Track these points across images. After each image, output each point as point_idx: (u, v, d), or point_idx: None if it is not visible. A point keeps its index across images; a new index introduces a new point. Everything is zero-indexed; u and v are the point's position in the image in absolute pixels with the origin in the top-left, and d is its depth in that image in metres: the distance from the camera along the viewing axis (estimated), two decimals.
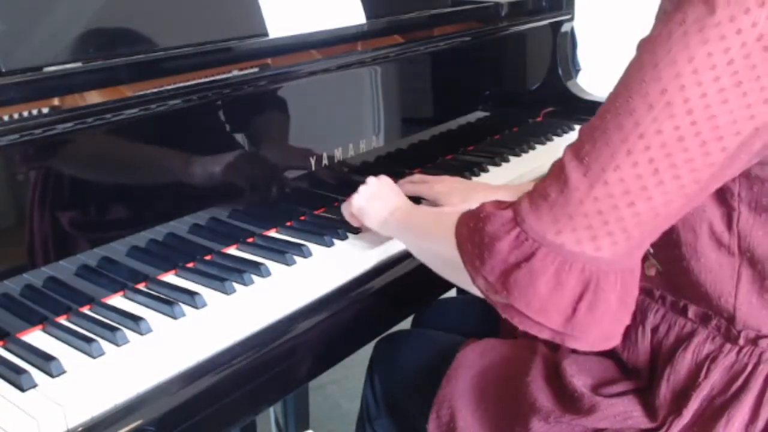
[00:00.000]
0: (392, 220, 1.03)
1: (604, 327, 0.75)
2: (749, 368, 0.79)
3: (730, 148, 0.67)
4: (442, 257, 0.89)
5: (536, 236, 0.73)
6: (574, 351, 0.96)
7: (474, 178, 1.36)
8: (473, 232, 0.79)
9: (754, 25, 0.64)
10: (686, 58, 0.66)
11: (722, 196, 0.77)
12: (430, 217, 1.00)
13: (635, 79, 0.69)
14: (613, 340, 0.77)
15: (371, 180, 1.11)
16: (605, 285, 0.73)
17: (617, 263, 0.73)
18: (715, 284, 0.80)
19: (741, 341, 0.80)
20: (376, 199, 1.08)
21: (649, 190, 0.69)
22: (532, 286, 0.73)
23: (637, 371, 0.87)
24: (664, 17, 0.69)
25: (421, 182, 1.23)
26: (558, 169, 0.74)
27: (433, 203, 1.20)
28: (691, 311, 0.83)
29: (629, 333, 0.86)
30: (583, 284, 0.73)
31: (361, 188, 1.10)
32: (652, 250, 0.85)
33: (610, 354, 0.91)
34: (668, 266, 0.81)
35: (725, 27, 0.64)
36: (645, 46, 0.70)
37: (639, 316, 0.86)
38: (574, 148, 0.73)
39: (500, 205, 0.79)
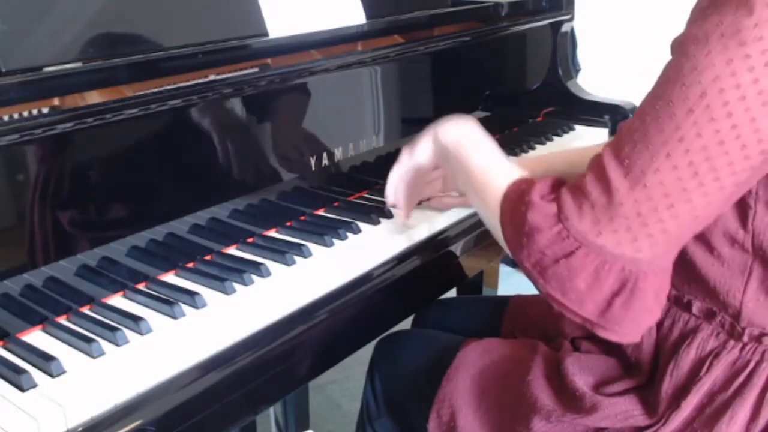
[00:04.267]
0: (450, 154, 0.96)
1: (636, 321, 0.77)
2: (752, 365, 0.79)
3: None
4: (487, 221, 0.90)
5: (577, 235, 0.75)
6: (576, 349, 0.97)
7: None
8: (515, 215, 0.81)
9: None
10: (724, 60, 0.66)
11: None
12: (479, 170, 0.91)
13: (675, 82, 0.69)
14: (642, 332, 0.80)
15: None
16: (643, 284, 0.75)
17: (656, 263, 0.75)
18: (724, 279, 0.80)
19: (745, 338, 0.80)
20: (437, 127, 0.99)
21: (689, 192, 0.70)
22: (570, 281, 0.76)
23: (640, 367, 0.87)
24: (700, 16, 0.69)
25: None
26: (599, 168, 0.75)
27: None
28: (695, 307, 0.83)
29: None
30: (621, 282, 0.75)
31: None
32: None
33: (612, 351, 0.91)
34: (676, 259, 0.81)
35: (763, 28, 0.64)
36: (682, 47, 0.70)
37: None
38: (613, 148, 0.74)
39: (545, 191, 0.80)
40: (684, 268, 0.83)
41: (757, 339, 0.80)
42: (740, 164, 0.69)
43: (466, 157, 0.93)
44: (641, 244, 0.73)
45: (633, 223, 0.72)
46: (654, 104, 0.71)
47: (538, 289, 0.80)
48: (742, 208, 0.77)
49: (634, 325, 0.77)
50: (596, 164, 0.76)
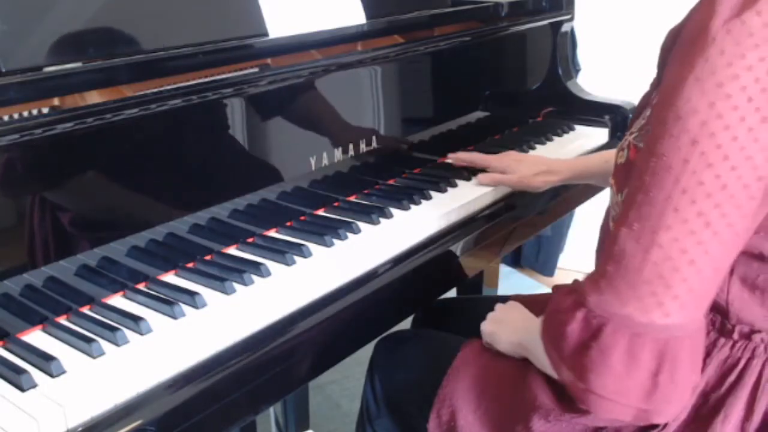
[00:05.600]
0: (520, 349, 0.96)
1: (681, 394, 0.74)
2: (742, 363, 0.80)
3: None
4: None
5: (602, 312, 0.72)
6: None
7: (473, 179, 1.35)
8: (549, 329, 0.79)
9: (761, 60, 0.64)
10: (706, 104, 0.65)
11: None
12: (535, 339, 0.89)
13: (662, 136, 0.68)
14: (684, 405, 0.77)
15: (498, 306, 1.07)
16: (681, 353, 0.72)
17: (688, 326, 0.72)
18: None
19: (735, 336, 0.80)
20: (503, 323, 1.02)
21: (706, 244, 0.68)
22: (605, 364, 0.72)
23: None
24: (669, 64, 0.69)
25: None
26: (610, 242, 0.72)
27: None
28: None
29: None
30: (659, 356, 0.71)
31: (489, 314, 1.05)
32: None
33: None
34: None
35: (737, 66, 0.64)
36: (660, 98, 0.69)
37: None
38: (620, 217, 0.72)
39: (564, 290, 0.78)
40: None
41: (747, 336, 0.80)
42: (747, 205, 0.67)
43: (530, 342, 0.93)
44: (669, 307, 0.70)
45: (657, 287, 0.69)
46: (648, 161, 0.69)
47: (584, 402, 0.76)
48: None
49: (680, 399, 0.74)
50: (607, 240, 0.74)
